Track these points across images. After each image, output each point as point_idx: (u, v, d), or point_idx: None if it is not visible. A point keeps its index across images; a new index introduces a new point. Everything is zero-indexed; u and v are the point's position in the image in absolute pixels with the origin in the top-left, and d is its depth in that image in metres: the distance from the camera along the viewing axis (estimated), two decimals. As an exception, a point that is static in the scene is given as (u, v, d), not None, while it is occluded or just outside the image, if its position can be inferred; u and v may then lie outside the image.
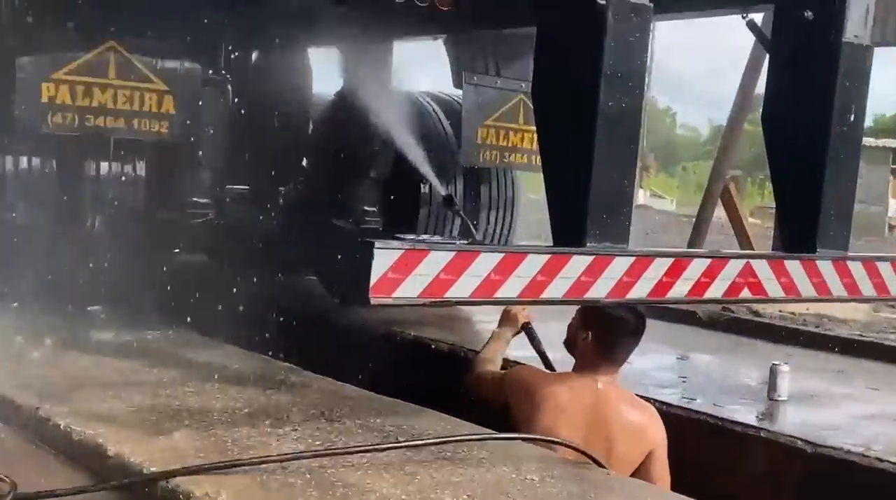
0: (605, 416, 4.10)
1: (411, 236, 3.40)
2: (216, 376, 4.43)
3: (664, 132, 59.43)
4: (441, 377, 5.54)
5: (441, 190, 7.19)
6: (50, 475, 3.19)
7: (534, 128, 4.13)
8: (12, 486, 2.95)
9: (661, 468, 4.11)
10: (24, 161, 5.26)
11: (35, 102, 4.91)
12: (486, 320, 6.04)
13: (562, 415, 4.08)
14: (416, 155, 7.21)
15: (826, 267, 4.05)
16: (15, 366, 4.28)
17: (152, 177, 5.71)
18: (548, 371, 4.64)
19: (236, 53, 6.82)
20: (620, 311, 4.13)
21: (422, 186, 7.21)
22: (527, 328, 4.84)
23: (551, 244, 3.69)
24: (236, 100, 6.26)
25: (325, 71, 7.85)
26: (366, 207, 7.01)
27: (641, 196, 39.95)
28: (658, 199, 41.65)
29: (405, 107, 7.22)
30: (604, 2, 3.48)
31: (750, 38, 5.38)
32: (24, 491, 2.95)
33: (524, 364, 4.66)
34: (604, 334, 4.21)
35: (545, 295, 3.46)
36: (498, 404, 4.34)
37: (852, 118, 4.15)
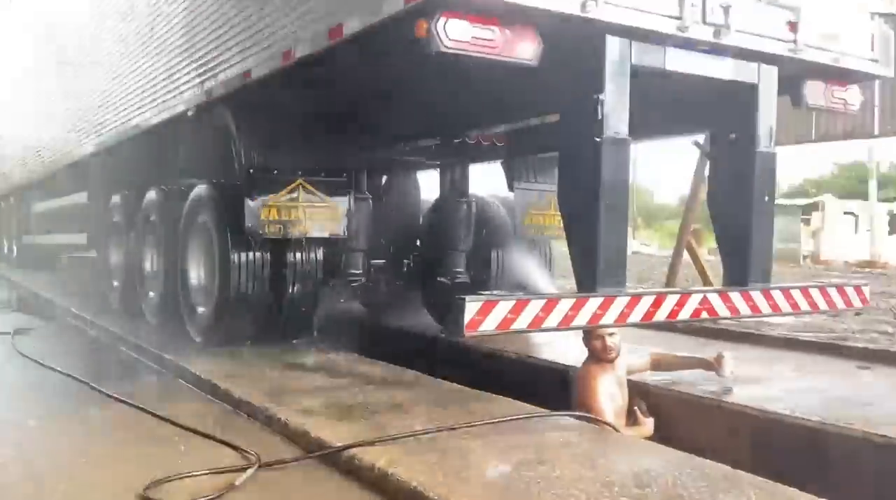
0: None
1: (487, 292, 3.45)
2: (371, 382, 4.42)
3: (645, 202, 58.67)
4: (512, 377, 5.55)
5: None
6: (277, 450, 3.25)
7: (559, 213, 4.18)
8: (257, 458, 3.05)
9: None
10: (250, 256, 5.39)
11: (258, 219, 5.09)
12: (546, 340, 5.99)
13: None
14: (488, 234, 7.29)
15: (756, 294, 4.02)
16: (250, 382, 4.35)
17: (328, 258, 5.79)
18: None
19: (373, 180, 6.99)
20: None
21: (492, 253, 7.25)
22: None
23: (576, 290, 3.74)
24: (375, 208, 6.40)
25: (429, 185, 7.99)
26: (457, 270, 7.04)
27: (635, 245, 39.22)
28: (645, 246, 40.75)
29: (479, 204, 7.34)
30: (599, 139, 3.56)
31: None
32: (266, 461, 3.04)
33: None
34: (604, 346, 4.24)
35: (574, 323, 3.52)
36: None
37: (766, 198, 4.11)
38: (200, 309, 5.78)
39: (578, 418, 3.70)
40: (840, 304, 4.28)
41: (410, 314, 7.86)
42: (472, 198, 7.25)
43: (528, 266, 7.43)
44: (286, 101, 5.00)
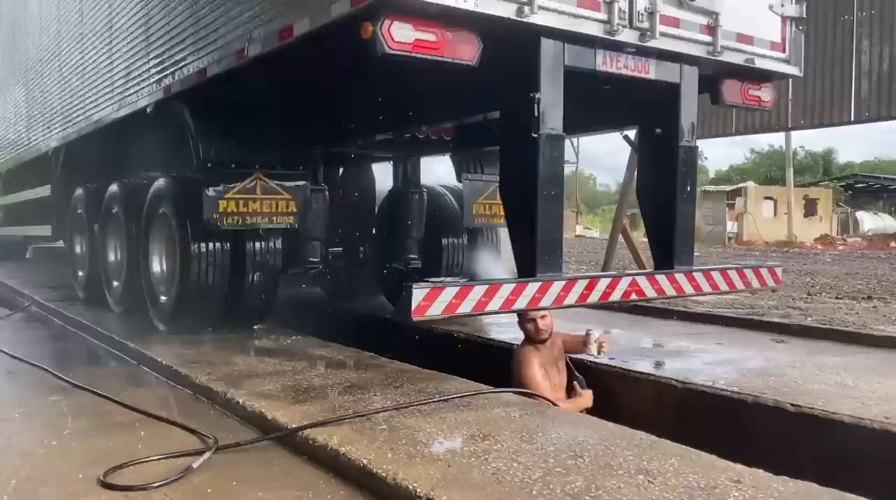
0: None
1: (434, 278, 3.42)
2: (328, 364, 4.39)
3: (589, 189, 59.43)
4: (463, 356, 5.54)
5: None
6: (234, 433, 3.21)
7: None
8: (214, 441, 3.00)
9: None
10: (210, 246, 5.28)
11: (216, 211, 4.99)
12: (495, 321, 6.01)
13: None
14: (439, 222, 7.29)
15: (681, 277, 4.06)
16: (210, 368, 4.26)
17: (286, 247, 5.69)
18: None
19: (330, 172, 6.91)
20: None
21: (443, 240, 7.26)
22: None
23: (517, 276, 3.75)
24: (331, 199, 6.32)
25: (383, 176, 7.93)
26: (411, 256, 7.04)
27: (578, 229, 39.63)
28: (588, 230, 41.28)
29: (430, 194, 7.32)
30: (536, 135, 3.55)
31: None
32: (223, 443, 2.99)
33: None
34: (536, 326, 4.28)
35: (515, 306, 3.52)
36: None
37: (688, 188, 4.17)
38: (163, 298, 5.65)
39: (521, 394, 3.73)
40: (755, 284, 4.38)
41: (368, 299, 7.83)
42: (424, 188, 7.24)
43: (477, 252, 7.47)
44: (242, 97, 4.90)
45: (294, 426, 3.07)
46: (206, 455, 2.85)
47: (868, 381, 4.14)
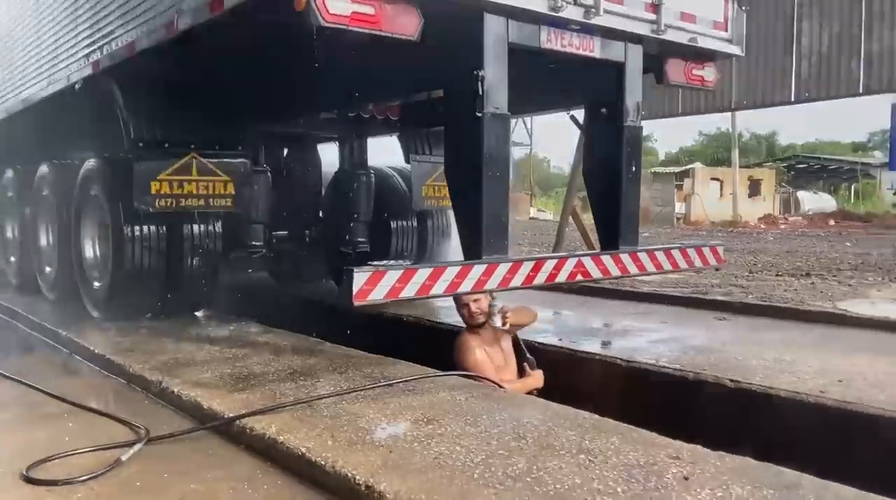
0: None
1: (377, 262, 3.35)
2: (271, 351, 4.28)
3: (543, 171, 59.72)
4: (412, 339, 5.51)
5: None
6: (169, 424, 3.11)
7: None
8: (146, 432, 2.90)
9: None
10: (145, 229, 5.09)
11: (148, 193, 4.80)
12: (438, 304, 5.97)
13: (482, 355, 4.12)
14: (387, 204, 7.20)
15: (626, 257, 4.09)
16: (145, 356, 4.14)
17: (227, 231, 5.54)
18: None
19: (272, 153, 6.75)
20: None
21: (391, 222, 7.18)
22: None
23: (463, 259, 3.69)
24: (275, 181, 6.17)
25: (329, 157, 7.79)
26: (359, 239, 6.94)
27: (532, 211, 39.79)
28: (542, 212, 41.52)
29: (378, 176, 7.22)
30: (480, 114, 3.50)
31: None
32: (155, 434, 2.90)
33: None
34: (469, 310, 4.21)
35: (460, 289, 3.48)
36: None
37: (633, 169, 4.19)
38: (96, 283, 5.45)
39: (468, 378, 3.69)
40: (698, 263, 4.44)
41: (316, 284, 7.72)
42: (372, 170, 7.13)
43: (427, 235, 7.42)
44: (174, 73, 4.69)
45: (231, 414, 2.98)
46: (137, 447, 2.75)
47: (804, 356, 4.26)
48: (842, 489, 2.19)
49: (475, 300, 4.12)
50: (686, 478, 2.28)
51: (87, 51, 5.08)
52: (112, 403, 3.52)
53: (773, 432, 3.44)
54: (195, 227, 5.26)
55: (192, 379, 3.59)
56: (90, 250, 5.58)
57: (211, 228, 5.34)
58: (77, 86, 5.24)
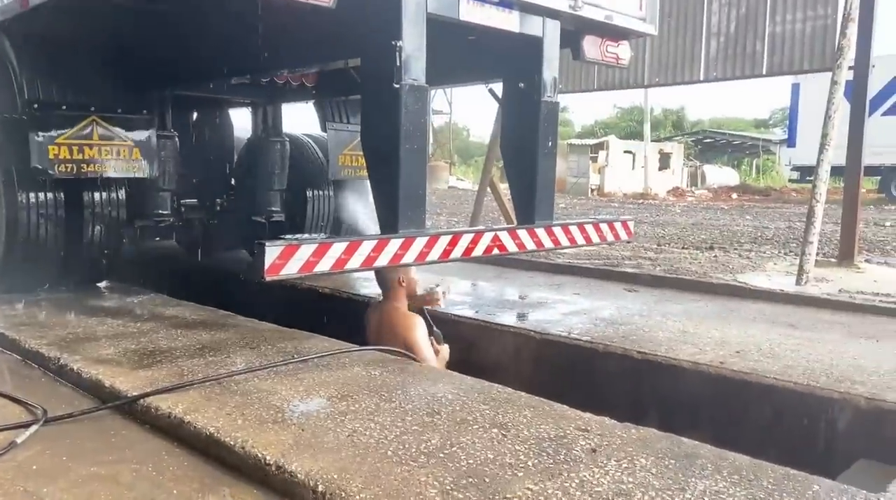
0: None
1: (290, 236, 3.26)
2: (179, 325, 4.13)
3: (462, 140, 59.82)
4: (328, 312, 5.45)
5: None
6: (69, 403, 2.96)
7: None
8: (43, 412, 2.76)
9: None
10: (41, 196, 4.79)
11: (46, 157, 4.51)
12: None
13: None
14: (303, 173, 7.03)
15: (541, 231, 4.13)
16: (42, 330, 3.93)
17: (131, 198, 5.29)
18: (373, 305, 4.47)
19: (181, 117, 6.45)
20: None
21: (307, 192, 7.02)
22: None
23: (380, 232, 3.65)
24: (183, 146, 5.90)
25: (242, 124, 7.52)
26: (273, 208, 6.76)
27: (451, 180, 39.86)
28: (461, 181, 41.66)
29: (293, 143, 7.02)
30: (398, 85, 3.44)
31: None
32: (53, 415, 2.76)
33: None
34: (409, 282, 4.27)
35: (377, 263, 3.44)
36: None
37: (549, 143, 4.23)
38: (-12, 254, 5.09)
39: (383, 352, 3.67)
40: (610, 237, 4.56)
41: (228, 254, 7.48)
42: (287, 137, 6.93)
43: (345, 205, 7.31)
44: (71, 30, 4.39)
45: (135, 393, 2.86)
46: (34, 428, 2.60)
47: (706, 327, 4.47)
48: (738, 457, 2.31)
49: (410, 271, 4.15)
50: (594, 450, 2.35)
51: (-27, 2, 4.66)
52: (6, 381, 3.32)
53: (677, 401, 3.60)
54: (96, 194, 5.00)
55: (93, 356, 3.43)
56: (-20, 218, 5.19)
57: (114, 195, 5.08)
58: None
